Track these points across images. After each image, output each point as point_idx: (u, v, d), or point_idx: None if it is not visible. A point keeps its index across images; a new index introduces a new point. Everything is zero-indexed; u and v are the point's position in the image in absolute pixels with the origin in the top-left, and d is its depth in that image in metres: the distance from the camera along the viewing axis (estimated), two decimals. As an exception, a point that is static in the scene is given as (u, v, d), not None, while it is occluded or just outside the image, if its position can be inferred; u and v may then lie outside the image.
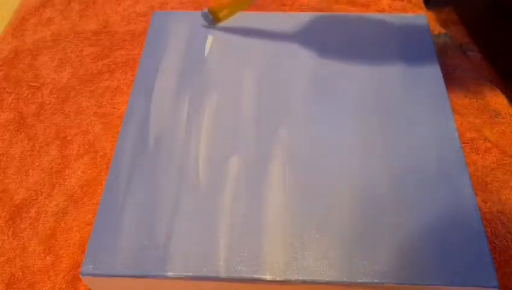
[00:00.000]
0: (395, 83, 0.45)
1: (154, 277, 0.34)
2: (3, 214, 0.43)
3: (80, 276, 0.35)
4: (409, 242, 0.35)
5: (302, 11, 0.44)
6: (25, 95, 0.53)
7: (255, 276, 0.34)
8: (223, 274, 0.34)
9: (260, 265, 0.34)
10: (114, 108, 0.51)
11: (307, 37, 0.49)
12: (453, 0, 0.48)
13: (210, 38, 0.49)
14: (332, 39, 0.49)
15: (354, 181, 0.38)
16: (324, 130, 0.42)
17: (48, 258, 0.41)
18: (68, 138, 0.48)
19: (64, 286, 0.39)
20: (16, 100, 0.52)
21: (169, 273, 0.34)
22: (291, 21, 0.50)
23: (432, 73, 0.45)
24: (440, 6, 0.42)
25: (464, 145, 0.45)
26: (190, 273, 0.34)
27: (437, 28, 0.55)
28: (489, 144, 0.45)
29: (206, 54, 0.48)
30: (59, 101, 0.52)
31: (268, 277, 0.34)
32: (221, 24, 0.48)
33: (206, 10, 0.48)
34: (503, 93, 0.49)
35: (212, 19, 0.47)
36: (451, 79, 0.50)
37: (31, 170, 0.46)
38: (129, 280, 0.35)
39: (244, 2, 0.45)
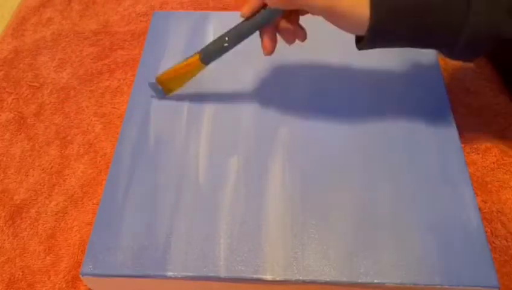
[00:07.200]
0: (395, 82, 0.45)
1: (154, 277, 0.34)
2: (3, 214, 0.43)
3: (80, 276, 0.35)
4: (409, 242, 0.35)
5: (302, 11, 0.44)
6: (25, 95, 0.53)
7: (255, 276, 0.34)
8: (223, 274, 0.34)
9: (260, 265, 0.34)
10: (114, 108, 0.50)
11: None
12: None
13: (210, 39, 0.49)
14: (332, 40, 0.48)
15: (354, 181, 0.38)
16: (324, 129, 0.42)
17: (47, 258, 0.41)
18: (68, 138, 0.48)
19: (64, 286, 0.39)
20: (15, 100, 0.52)
21: (169, 273, 0.34)
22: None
23: (432, 73, 0.45)
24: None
25: (463, 145, 0.45)
26: (190, 273, 0.34)
27: (437, 28, 0.55)
28: (489, 144, 0.45)
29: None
30: (59, 101, 0.52)
31: (268, 277, 0.34)
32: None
33: (153, 81, 0.43)
34: (504, 93, 0.49)
35: (162, 91, 0.44)
36: (451, 79, 0.50)
37: (31, 170, 0.46)
38: (129, 280, 0.35)
39: (194, 69, 0.41)
